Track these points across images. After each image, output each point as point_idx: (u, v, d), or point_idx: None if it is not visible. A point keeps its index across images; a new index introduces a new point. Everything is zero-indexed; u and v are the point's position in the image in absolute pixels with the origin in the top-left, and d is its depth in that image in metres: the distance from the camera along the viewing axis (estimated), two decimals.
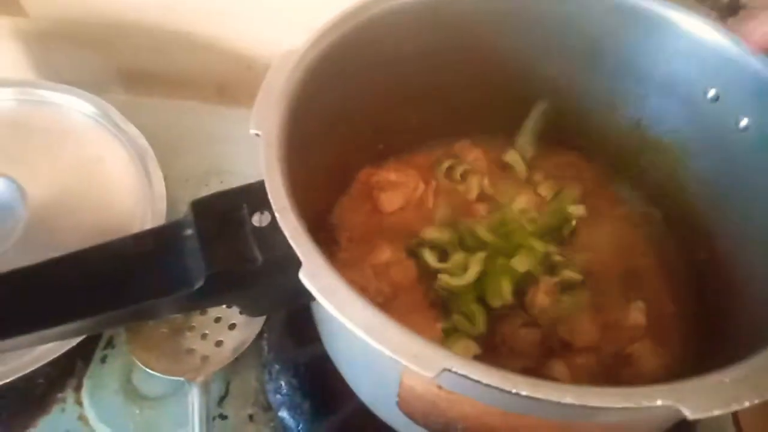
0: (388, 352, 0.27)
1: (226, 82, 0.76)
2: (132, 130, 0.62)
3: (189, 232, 0.33)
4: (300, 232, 0.31)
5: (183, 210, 0.62)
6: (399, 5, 0.46)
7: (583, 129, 0.56)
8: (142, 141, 0.61)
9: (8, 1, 0.70)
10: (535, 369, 0.45)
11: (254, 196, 0.34)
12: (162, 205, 0.57)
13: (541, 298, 0.47)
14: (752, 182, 0.43)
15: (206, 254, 0.32)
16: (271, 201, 0.32)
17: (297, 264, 0.30)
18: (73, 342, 0.49)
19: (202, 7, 0.67)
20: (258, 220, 0.33)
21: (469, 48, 0.51)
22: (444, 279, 0.47)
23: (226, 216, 0.34)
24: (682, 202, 0.51)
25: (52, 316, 0.31)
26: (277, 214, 0.31)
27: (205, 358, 0.51)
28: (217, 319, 0.53)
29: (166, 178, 0.61)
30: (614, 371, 0.46)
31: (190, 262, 0.33)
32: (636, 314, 0.48)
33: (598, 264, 0.51)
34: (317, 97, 0.43)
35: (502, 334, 0.46)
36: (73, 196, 0.58)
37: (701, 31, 0.44)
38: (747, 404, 0.26)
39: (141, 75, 0.77)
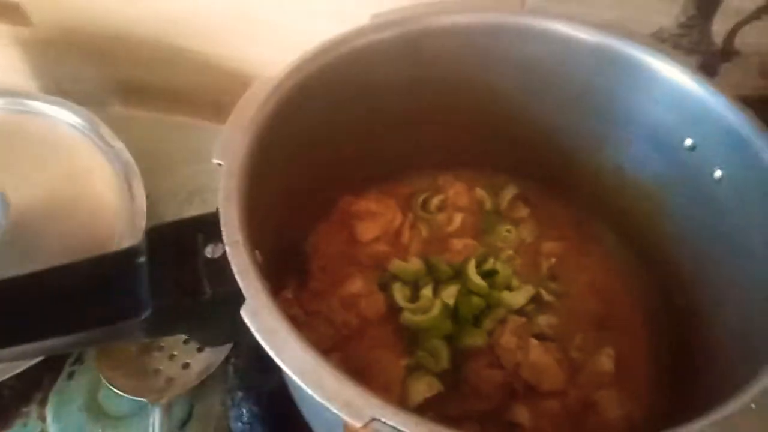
0: (319, 398, 0.26)
1: (223, 99, 0.75)
2: (118, 144, 0.62)
3: (142, 259, 0.33)
4: (248, 267, 0.31)
5: None
6: (380, 39, 0.46)
7: (565, 168, 0.55)
8: (127, 156, 0.61)
9: (11, 8, 0.71)
10: (497, 411, 0.44)
11: (210, 226, 0.34)
12: (141, 223, 0.57)
13: (507, 338, 0.46)
14: (728, 235, 0.43)
15: (154, 284, 0.32)
16: (223, 234, 0.32)
17: (243, 299, 0.30)
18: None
19: (201, 23, 0.67)
20: (211, 251, 0.33)
21: (452, 82, 0.51)
22: (407, 316, 0.46)
23: (180, 245, 0.34)
24: (661, 247, 0.51)
25: None
26: (227, 248, 0.31)
27: (170, 380, 0.51)
28: (186, 341, 0.52)
29: (151, 195, 0.61)
30: (579, 419, 0.45)
31: (141, 291, 0.33)
32: (605, 361, 0.47)
33: (571, 305, 0.51)
34: (293, 124, 0.43)
35: (466, 373, 0.45)
36: (56, 208, 0.59)
37: (679, 79, 0.44)
38: None
39: (140, 88, 0.77)
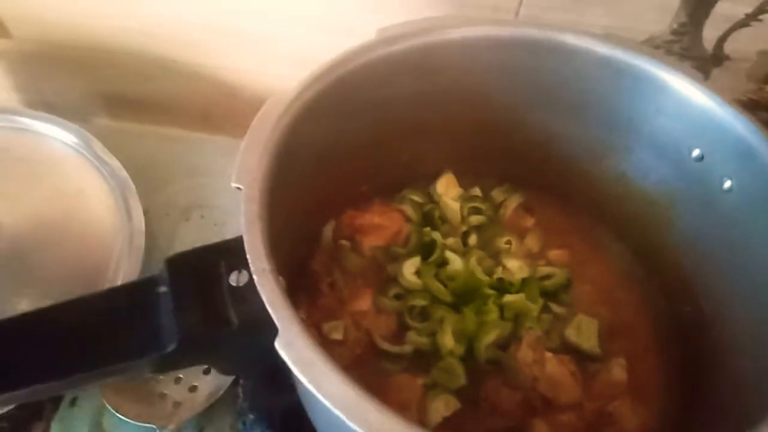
0: None
1: (211, 109, 0.75)
2: (113, 162, 0.61)
3: (163, 289, 0.32)
4: (278, 297, 0.30)
5: (162, 245, 0.62)
6: (388, 54, 0.45)
7: (568, 178, 0.55)
8: (123, 174, 0.60)
9: None
10: (517, 428, 0.44)
11: (232, 253, 0.33)
12: (140, 241, 0.56)
13: (523, 352, 0.46)
14: (737, 244, 0.43)
15: (180, 315, 0.31)
16: (250, 262, 0.31)
17: (273, 329, 0.29)
18: None
19: (187, 35, 0.66)
20: (235, 279, 0.32)
21: (456, 94, 0.51)
22: (412, 337, 0.46)
23: (203, 274, 0.33)
24: (667, 256, 0.51)
25: (16, 378, 0.29)
26: (255, 277, 0.31)
27: (177, 404, 0.49)
28: None
29: (146, 212, 0.60)
30: (596, 429, 0.45)
31: (164, 322, 0.31)
32: (617, 371, 0.47)
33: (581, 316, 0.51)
34: (304, 143, 0.43)
35: (485, 390, 0.45)
36: (50, 229, 0.57)
37: (687, 90, 0.44)
38: None
39: (126, 101, 0.76)
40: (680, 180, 0.48)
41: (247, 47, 0.66)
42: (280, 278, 0.33)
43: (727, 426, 0.39)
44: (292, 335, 0.29)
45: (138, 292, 0.33)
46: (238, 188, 0.35)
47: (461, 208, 0.56)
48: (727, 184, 0.43)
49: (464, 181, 0.58)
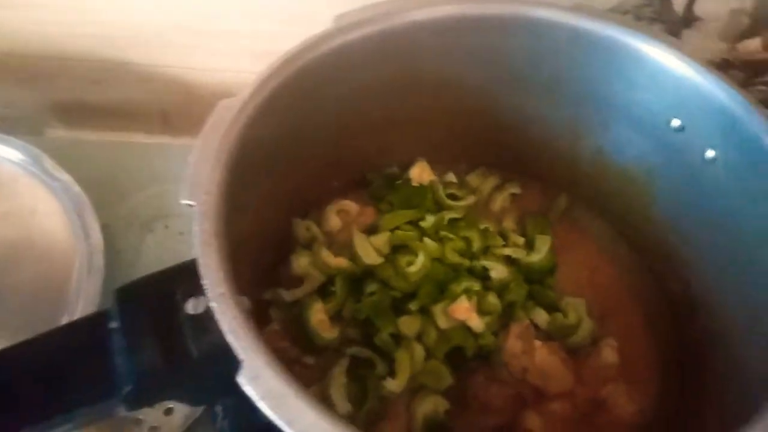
0: None
1: (169, 111, 0.72)
2: (65, 177, 0.57)
3: (115, 324, 0.29)
4: (240, 324, 0.28)
5: (126, 261, 0.59)
6: (345, 42, 0.42)
7: (545, 158, 0.53)
8: (76, 189, 0.56)
9: None
10: (509, 424, 0.42)
11: (188, 277, 0.30)
12: (99, 261, 0.53)
13: (512, 342, 0.44)
14: (722, 218, 0.42)
15: (133, 353, 0.28)
16: (206, 288, 0.28)
17: (237, 360, 0.27)
18: None
19: (140, 36, 0.63)
20: (193, 306, 0.30)
21: (421, 79, 0.48)
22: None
23: (157, 303, 0.30)
24: (650, 233, 0.50)
25: None
26: (212, 304, 0.28)
27: (154, 429, 0.47)
28: None
29: (107, 227, 0.57)
30: (590, 418, 0.43)
31: (118, 361, 0.29)
32: (608, 352, 0.46)
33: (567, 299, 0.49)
34: (263, 146, 0.40)
35: (474, 388, 0.43)
36: (3, 255, 0.54)
37: (662, 58, 0.42)
38: None
39: (80, 109, 0.72)
40: (660, 153, 0.46)
41: (203, 44, 0.64)
42: (244, 298, 0.31)
43: (724, 413, 0.37)
44: (257, 367, 0.26)
45: (87, 330, 0.30)
46: (190, 205, 0.32)
47: None
48: (710, 154, 0.41)
49: (437, 168, 0.55)
